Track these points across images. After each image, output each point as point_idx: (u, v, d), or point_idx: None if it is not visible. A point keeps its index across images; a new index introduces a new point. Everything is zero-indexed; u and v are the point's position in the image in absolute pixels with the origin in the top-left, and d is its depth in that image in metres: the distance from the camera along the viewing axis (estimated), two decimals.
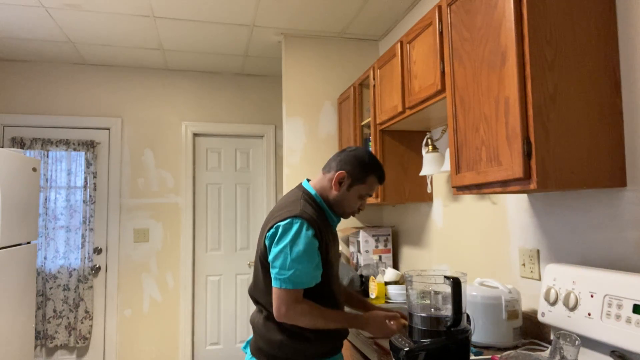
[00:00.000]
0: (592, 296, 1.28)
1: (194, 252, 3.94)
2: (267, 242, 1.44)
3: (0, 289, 2.52)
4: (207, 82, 4.06)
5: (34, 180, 2.98)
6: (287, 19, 2.96)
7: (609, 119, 1.31)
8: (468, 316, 1.56)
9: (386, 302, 2.45)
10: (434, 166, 2.20)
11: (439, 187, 2.44)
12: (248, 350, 1.55)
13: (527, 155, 1.25)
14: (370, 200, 2.57)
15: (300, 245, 1.37)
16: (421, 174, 2.27)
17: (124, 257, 3.75)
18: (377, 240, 2.90)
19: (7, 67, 3.66)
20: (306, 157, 3.17)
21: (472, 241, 2.12)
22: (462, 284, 1.20)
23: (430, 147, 2.24)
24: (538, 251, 1.67)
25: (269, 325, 1.47)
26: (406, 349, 1.21)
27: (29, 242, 2.94)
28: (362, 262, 2.86)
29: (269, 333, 1.46)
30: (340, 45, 3.29)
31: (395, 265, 2.98)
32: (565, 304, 1.35)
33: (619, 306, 1.20)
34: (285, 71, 3.19)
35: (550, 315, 1.41)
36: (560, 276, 1.41)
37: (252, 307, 4.03)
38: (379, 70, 2.43)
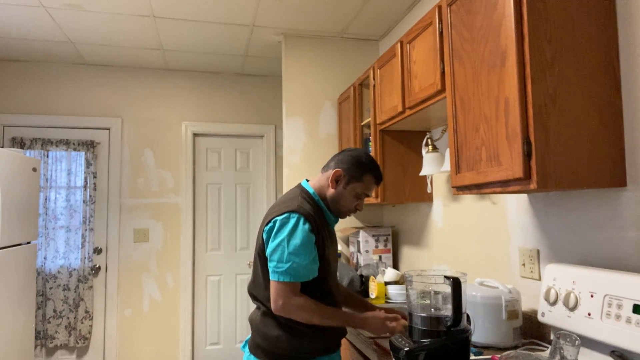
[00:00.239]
0: (592, 296, 1.28)
1: (194, 252, 3.94)
2: (264, 236, 1.47)
3: (0, 289, 2.52)
4: (207, 82, 4.06)
5: (34, 180, 2.98)
6: (287, 19, 2.96)
7: (609, 119, 1.31)
8: (468, 316, 1.56)
9: (386, 302, 2.45)
10: (434, 166, 2.20)
11: (439, 187, 2.44)
12: (246, 348, 1.55)
13: (527, 155, 1.25)
14: (370, 200, 2.57)
15: (297, 239, 1.40)
16: (421, 174, 2.27)
17: (124, 257, 3.75)
18: (377, 240, 2.90)
19: (7, 67, 3.66)
20: (306, 157, 3.17)
21: (472, 241, 2.12)
22: (462, 284, 1.21)
23: (430, 147, 2.24)
24: (538, 251, 1.67)
25: (265, 321, 1.48)
26: (406, 349, 1.21)
27: (29, 242, 2.94)
28: (362, 262, 2.86)
29: (266, 329, 1.47)
30: (340, 45, 3.29)
31: (395, 265, 2.98)
32: (565, 304, 1.35)
33: (619, 306, 1.20)
34: (285, 71, 3.19)
35: (550, 315, 1.41)
36: (560, 276, 1.41)
37: (252, 307, 4.03)
38: (379, 70, 2.43)
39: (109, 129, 3.82)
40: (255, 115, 4.14)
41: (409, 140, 2.52)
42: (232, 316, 3.98)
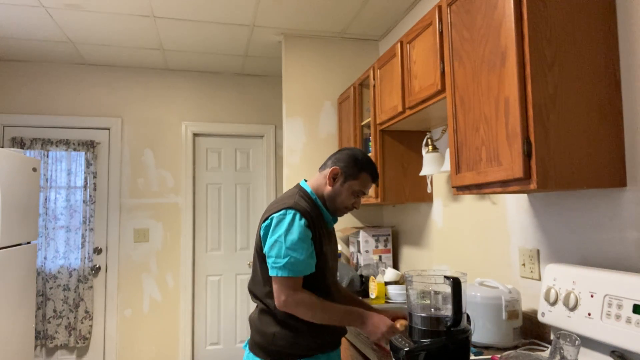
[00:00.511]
0: (592, 296, 1.28)
1: (194, 252, 3.94)
2: (262, 233, 1.49)
3: (0, 289, 2.52)
4: (207, 82, 4.06)
5: (34, 180, 2.98)
6: (287, 19, 2.96)
7: (609, 119, 1.31)
8: (468, 316, 1.56)
9: (386, 302, 2.45)
10: (434, 166, 2.20)
11: (439, 187, 2.44)
12: (247, 348, 1.56)
13: (527, 155, 1.25)
14: (370, 200, 2.57)
15: (294, 234, 1.41)
16: (421, 174, 2.27)
17: (124, 257, 3.75)
18: (377, 240, 2.90)
19: (7, 67, 3.66)
20: (306, 157, 3.17)
21: (472, 241, 2.12)
22: (462, 284, 1.20)
23: (430, 147, 2.24)
24: (538, 251, 1.67)
25: (263, 318, 1.50)
26: (406, 349, 1.21)
27: (29, 242, 2.94)
28: (362, 262, 2.86)
29: (263, 326, 1.48)
30: (340, 45, 3.29)
31: (395, 265, 2.98)
32: (565, 304, 1.35)
33: (619, 306, 1.20)
34: (285, 71, 3.19)
35: (550, 315, 1.41)
36: (560, 276, 1.41)
37: (252, 307, 4.03)
38: (379, 70, 2.43)
39: (109, 129, 3.82)
40: (255, 115, 4.14)
41: (409, 140, 2.52)
42: (232, 316, 3.98)
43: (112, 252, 3.73)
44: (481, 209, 2.05)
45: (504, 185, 1.36)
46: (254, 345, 1.50)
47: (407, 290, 1.33)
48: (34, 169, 2.98)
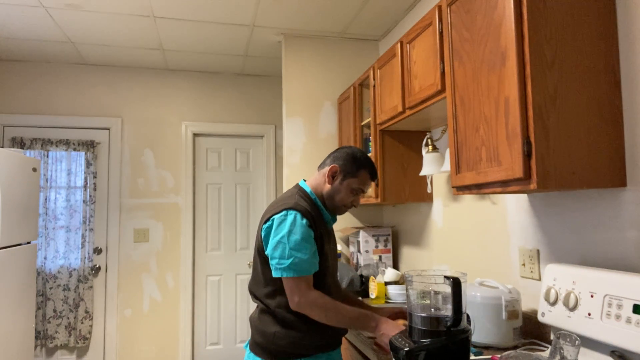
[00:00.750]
0: (592, 296, 1.28)
1: (194, 252, 3.94)
2: (263, 234, 1.49)
3: (0, 289, 2.52)
4: (207, 82, 4.06)
5: (34, 180, 2.98)
6: (287, 19, 2.96)
7: (609, 119, 1.31)
8: (468, 316, 1.56)
9: (386, 302, 2.45)
10: (434, 166, 2.20)
11: (439, 187, 2.44)
12: (248, 348, 1.56)
13: (527, 155, 1.25)
14: (370, 200, 2.57)
15: (297, 234, 1.42)
16: (421, 174, 2.27)
17: (124, 257, 3.75)
18: (377, 240, 2.90)
19: (7, 67, 3.66)
20: (306, 157, 3.17)
21: (472, 241, 2.12)
22: (462, 284, 1.20)
23: (430, 147, 2.24)
24: (538, 251, 1.67)
25: (263, 317, 1.50)
26: (406, 349, 1.21)
27: (29, 242, 2.94)
28: (362, 262, 2.86)
29: (263, 325, 1.48)
30: (340, 45, 3.29)
31: (395, 265, 2.98)
32: (565, 304, 1.35)
33: (619, 306, 1.20)
34: (285, 71, 3.19)
35: (550, 315, 1.41)
36: (560, 276, 1.41)
37: (252, 307, 4.03)
38: (379, 70, 2.43)
39: (109, 129, 3.82)
40: (255, 115, 4.14)
41: (409, 140, 2.52)
42: (232, 316, 3.98)
43: (112, 252, 3.73)
44: (481, 209, 2.05)
45: (504, 185, 1.36)
46: (255, 346, 1.51)
47: (407, 290, 1.33)
48: (34, 169, 2.98)
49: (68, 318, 3.57)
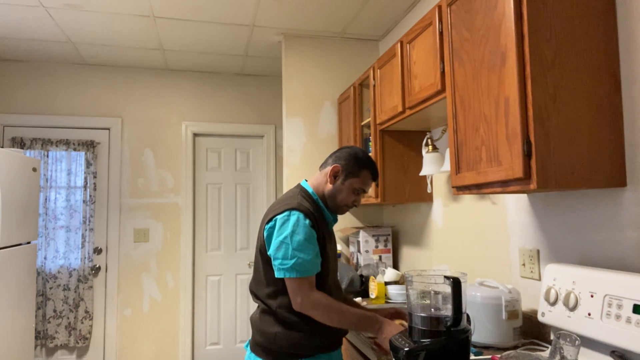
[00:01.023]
0: (592, 296, 1.28)
1: (194, 252, 3.94)
2: (265, 234, 1.48)
3: (0, 289, 2.52)
4: (207, 82, 4.06)
5: (34, 180, 2.98)
6: (287, 19, 2.96)
7: (609, 119, 1.31)
8: (468, 316, 1.56)
9: (386, 302, 2.45)
10: (434, 166, 2.20)
11: (439, 187, 2.44)
12: (248, 348, 1.56)
13: (527, 155, 1.25)
14: (370, 200, 2.57)
15: (300, 235, 1.41)
16: (421, 174, 2.27)
17: (124, 257, 3.75)
18: (377, 240, 2.90)
19: (7, 67, 3.66)
20: (306, 157, 3.17)
21: (472, 241, 2.12)
22: (462, 284, 1.20)
23: (430, 147, 2.24)
24: (538, 251, 1.67)
25: (264, 318, 1.50)
26: (406, 349, 1.21)
27: (29, 242, 2.94)
28: (362, 262, 2.86)
29: (264, 326, 1.48)
30: (340, 45, 3.29)
31: (395, 265, 2.98)
32: (565, 304, 1.35)
33: (619, 306, 1.20)
34: (285, 71, 3.19)
35: (550, 315, 1.41)
36: (560, 276, 1.41)
37: (252, 307, 4.03)
38: (379, 70, 2.43)
39: (109, 129, 3.82)
40: (255, 115, 4.14)
41: (409, 140, 2.52)
42: (232, 316, 3.98)
43: (112, 252, 3.73)
44: (481, 209, 2.05)
45: (504, 185, 1.36)
46: (256, 346, 1.51)
47: (407, 290, 1.33)
48: (34, 169, 2.98)
49: (68, 318, 3.57)
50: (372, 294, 2.49)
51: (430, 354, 1.20)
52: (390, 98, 2.26)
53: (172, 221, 3.88)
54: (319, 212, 1.54)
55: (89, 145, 3.70)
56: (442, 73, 1.74)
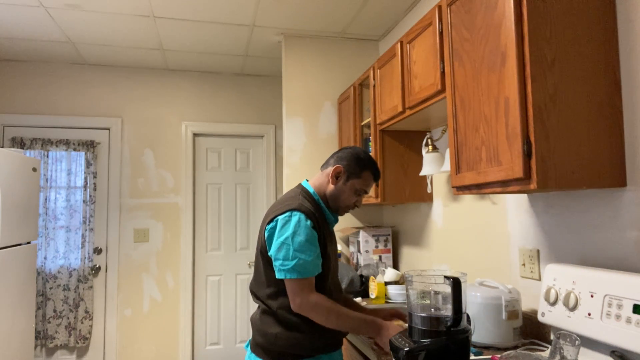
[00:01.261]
0: (592, 296, 1.28)
1: (194, 252, 3.94)
2: (266, 235, 1.48)
3: (0, 289, 2.52)
4: (207, 82, 4.06)
5: (34, 180, 2.98)
6: (287, 19, 2.96)
7: (609, 119, 1.31)
8: (468, 316, 1.56)
9: (386, 302, 2.45)
10: (434, 166, 2.20)
11: (439, 187, 2.44)
12: (249, 348, 1.56)
13: (527, 155, 1.25)
14: (370, 200, 2.57)
15: (301, 236, 1.41)
16: (421, 174, 2.27)
17: (124, 257, 3.75)
18: (377, 240, 2.90)
19: (7, 67, 3.66)
20: (306, 157, 3.17)
21: (472, 241, 2.12)
22: (462, 284, 1.20)
23: (430, 147, 2.24)
24: (538, 251, 1.67)
25: (264, 318, 1.50)
26: (406, 349, 1.21)
27: (29, 242, 2.94)
28: (362, 262, 2.86)
29: (265, 326, 1.48)
30: (340, 45, 3.29)
31: (395, 265, 2.98)
32: (565, 304, 1.35)
33: (619, 306, 1.20)
34: (285, 71, 3.19)
35: (550, 315, 1.41)
36: (560, 276, 1.41)
37: (252, 307, 4.03)
38: (379, 70, 2.43)
39: (109, 129, 3.82)
40: (255, 115, 4.14)
41: (409, 140, 2.52)
42: (232, 316, 3.98)
43: (112, 252, 3.73)
44: (481, 209, 2.05)
45: (504, 185, 1.36)
46: (256, 346, 1.50)
47: (407, 290, 1.33)
48: (34, 169, 2.98)
49: (68, 318, 3.57)
50: (372, 294, 2.49)
51: (430, 354, 1.20)
52: (390, 98, 2.26)
53: (172, 221, 3.88)
54: (320, 212, 1.53)
55: (89, 145, 3.70)
56: (442, 73, 1.74)
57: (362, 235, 2.88)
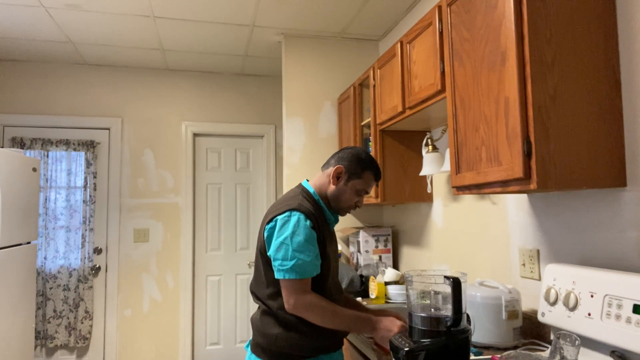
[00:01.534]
0: (592, 296, 1.28)
1: (194, 252, 3.94)
2: (265, 235, 1.47)
3: (0, 289, 2.52)
4: (207, 82, 4.06)
5: (34, 180, 2.98)
6: (287, 19, 2.96)
7: (609, 119, 1.31)
8: (468, 316, 1.56)
9: (386, 302, 2.45)
10: (434, 166, 2.20)
11: (439, 187, 2.44)
12: (249, 349, 1.56)
13: (527, 155, 1.25)
14: (370, 200, 2.57)
15: (300, 236, 1.41)
16: (421, 174, 2.27)
17: (124, 257, 3.75)
18: (377, 240, 2.90)
19: (7, 67, 3.66)
20: (306, 157, 3.17)
21: (472, 241, 2.12)
22: (462, 284, 1.20)
23: (430, 147, 2.24)
24: (538, 251, 1.67)
25: (265, 319, 1.49)
26: (406, 349, 1.21)
27: (29, 242, 2.94)
28: (362, 262, 2.86)
29: (265, 327, 1.48)
30: (340, 45, 3.29)
31: (395, 265, 2.98)
32: (565, 304, 1.35)
33: (619, 306, 1.20)
34: (285, 71, 3.19)
35: (550, 315, 1.41)
36: (560, 276, 1.41)
37: (253, 307, 4.03)
38: (379, 70, 2.43)
39: (109, 129, 3.82)
40: (255, 115, 4.14)
41: (409, 140, 2.52)
42: (232, 316, 3.98)
43: (112, 252, 3.73)
44: (481, 209, 2.05)
45: (504, 185, 1.36)
46: (256, 347, 1.50)
47: (407, 290, 1.33)
48: (34, 169, 2.98)
49: (68, 318, 3.57)
50: (372, 294, 2.49)
51: (430, 354, 1.20)
52: (390, 98, 2.26)
53: (172, 221, 3.88)
54: (320, 212, 1.53)
55: (89, 145, 3.70)
56: (442, 73, 1.74)
57: (362, 235, 2.88)
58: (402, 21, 2.97)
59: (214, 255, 3.99)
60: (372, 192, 2.55)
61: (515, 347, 1.53)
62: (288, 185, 3.14)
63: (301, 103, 3.19)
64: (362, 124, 2.79)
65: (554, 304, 1.41)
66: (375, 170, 1.58)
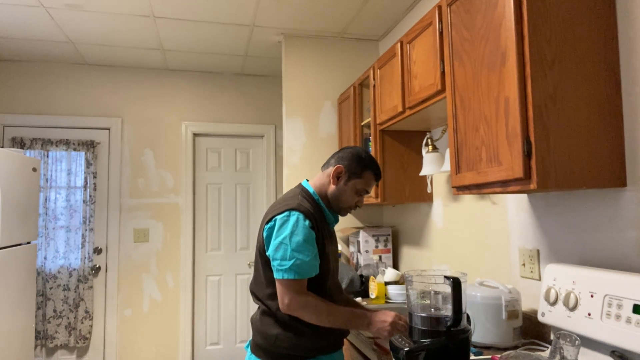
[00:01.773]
0: (592, 296, 1.28)
1: (194, 252, 3.94)
2: (265, 235, 1.47)
3: (0, 289, 2.52)
4: (207, 82, 4.06)
5: (34, 180, 2.98)
6: (287, 19, 2.96)
7: (609, 119, 1.31)
8: (468, 316, 1.56)
9: (386, 302, 2.45)
10: (434, 166, 2.20)
11: (439, 187, 2.44)
12: (249, 349, 1.56)
13: (527, 155, 1.25)
14: (370, 200, 2.57)
15: (299, 236, 1.40)
16: (421, 174, 2.27)
17: (124, 257, 3.75)
18: (377, 240, 2.90)
19: (7, 67, 3.66)
20: (306, 157, 3.17)
21: (472, 241, 2.12)
22: (462, 284, 1.20)
23: (430, 147, 2.24)
24: (538, 251, 1.67)
25: (265, 319, 1.49)
26: (406, 349, 1.21)
27: (29, 242, 2.94)
28: (362, 262, 2.86)
29: (265, 327, 1.48)
30: (340, 45, 3.29)
31: (395, 265, 2.98)
32: (565, 304, 1.35)
33: (619, 306, 1.20)
34: (285, 71, 3.19)
35: (550, 315, 1.41)
36: (560, 276, 1.41)
37: (253, 307, 4.03)
38: (379, 70, 2.43)
39: (109, 129, 3.82)
40: (255, 115, 4.14)
41: (409, 140, 2.52)
42: (232, 316, 3.98)
43: (112, 252, 3.73)
44: (481, 209, 2.05)
45: (504, 185, 1.36)
46: (256, 347, 1.50)
47: (407, 290, 1.33)
48: (34, 169, 2.98)
49: (68, 318, 3.57)
50: (372, 294, 2.49)
51: (430, 354, 1.20)
52: (390, 98, 2.26)
53: (172, 221, 3.88)
54: (319, 212, 1.53)
55: (89, 145, 3.70)
56: (442, 73, 1.74)
57: (362, 235, 2.88)
58: (402, 21, 2.97)
59: (214, 255, 3.99)
60: (372, 192, 2.54)
61: (515, 347, 1.53)
62: (288, 185, 3.14)
63: (301, 103, 3.19)
64: (362, 124, 2.79)
65: (554, 304, 1.41)
66: (375, 169, 1.57)
